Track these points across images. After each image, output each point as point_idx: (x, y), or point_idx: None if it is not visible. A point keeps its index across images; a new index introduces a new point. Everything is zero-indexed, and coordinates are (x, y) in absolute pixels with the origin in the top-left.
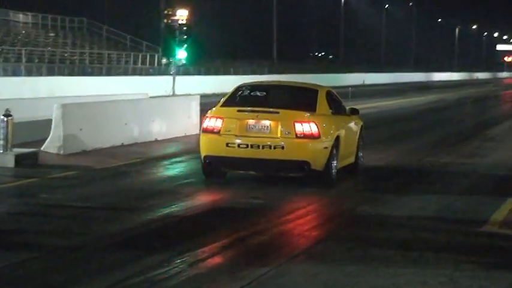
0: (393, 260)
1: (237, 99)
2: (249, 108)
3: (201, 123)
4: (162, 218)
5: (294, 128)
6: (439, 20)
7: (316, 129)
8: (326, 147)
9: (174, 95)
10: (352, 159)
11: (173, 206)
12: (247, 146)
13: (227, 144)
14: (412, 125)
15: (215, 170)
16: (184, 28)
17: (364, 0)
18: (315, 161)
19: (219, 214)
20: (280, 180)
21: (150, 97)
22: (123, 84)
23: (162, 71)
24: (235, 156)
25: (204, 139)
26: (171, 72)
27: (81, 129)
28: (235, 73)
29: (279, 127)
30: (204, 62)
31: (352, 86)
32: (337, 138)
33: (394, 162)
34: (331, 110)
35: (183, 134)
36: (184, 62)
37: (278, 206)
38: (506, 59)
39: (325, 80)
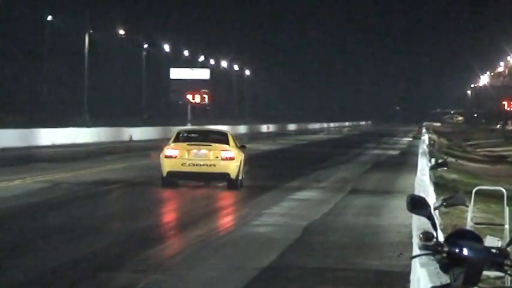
0: None
1: (181, 138)
2: (192, 143)
3: None
4: None
5: (221, 154)
6: None
7: (233, 154)
8: (237, 165)
9: None
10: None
11: None
12: (194, 165)
13: (182, 164)
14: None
15: (171, 182)
16: None
17: None
18: (232, 173)
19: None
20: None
21: None
22: None
23: None
24: (187, 171)
25: (166, 161)
26: None
27: None
28: None
29: (211, 153)
30: None
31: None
32: (241, 161)
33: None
34: (236, 145)
35: None
36: None
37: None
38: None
39: None
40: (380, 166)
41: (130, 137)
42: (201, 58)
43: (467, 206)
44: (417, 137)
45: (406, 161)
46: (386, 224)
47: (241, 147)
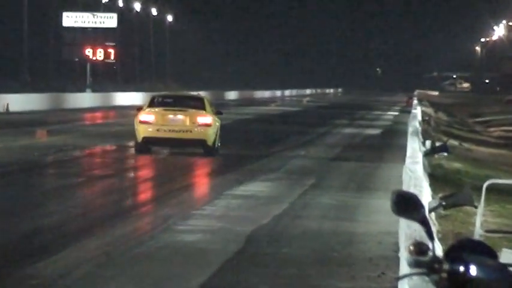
0: None
1: (156, 103)
2: (168, 108)
3: None
4: None
5: (197, 120)
6: None
7: (210, 121)
8: (214, 132)
9: None
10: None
11: None
12: (170, 130)
13: (157, 130)
14: None
15: (146, 148)
16: None
17: None
18: (209, 140)
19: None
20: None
21: None
22: None
23: None
24: (163, 137)
25: (141, 127)
26: None
27: None
28: None
29: (188, 119)
30: None
31: None
32: (218, 127)
33: None
34: (213, 110)
35: None
36: None
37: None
38: None
39: None
40: (354, 150)
41: (6, 107)
42: None
43: (476, 207)
44: (406, 110)
45: (390, 144)
46: (363, 232)
47: (218, 113)
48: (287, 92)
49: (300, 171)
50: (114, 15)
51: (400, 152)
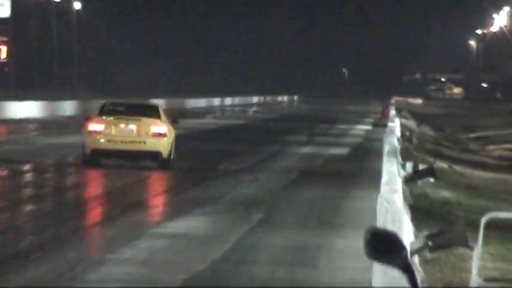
0: None
1: (107, 111)
2: (120, 116)
3: None
4: None
5: (151, 129)
6: None
7: (165, 130)
8: (170, 143)
9: None
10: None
11: None
12: (121, 141)
13: (108, 140)
14: None
15: (95, 161)
16: None
17: None
18: (164, 151)
19: None
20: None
21: None
22: None
23: None
24: (114, 148)
25: (90, 138)
26: None
27: None
28: None
29: (141, 129)
30: None
31: None
32: (173, 137)
33: None
34: (168, 119)
35: None
36: None
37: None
38: None
39: None
40: (313, 176)
41: None
42: None
43: (471, 249)
44: (381, 123)
45: (360, 167)
46: (326, 281)
47: (173, 122)
48: (228, 101)
49: (246, 202)
50: (6, 2)
51: (374, 177)
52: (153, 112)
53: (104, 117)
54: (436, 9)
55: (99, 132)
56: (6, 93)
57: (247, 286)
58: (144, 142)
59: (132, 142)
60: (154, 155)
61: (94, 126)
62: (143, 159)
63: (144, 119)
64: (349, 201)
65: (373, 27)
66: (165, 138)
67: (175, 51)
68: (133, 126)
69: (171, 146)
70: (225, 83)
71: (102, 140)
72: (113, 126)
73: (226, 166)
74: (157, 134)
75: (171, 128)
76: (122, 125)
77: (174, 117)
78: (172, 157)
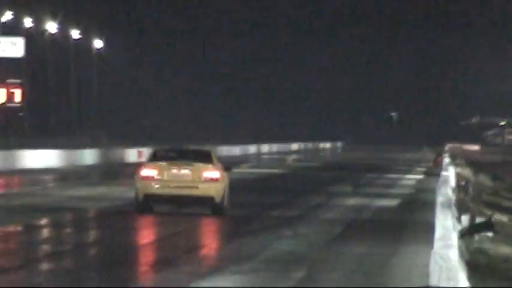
0: None
1: (159, 157)
2: (173, 162)
3: None
4: None
5: (203, 175)
6: None
7: (218, 175)
8: (223, 188)
9: None
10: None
11: None
12: (174, 187)
13: (161, 186)
14: None
15: (148, 207)
16: None
17: None
18: (217, 196)
19: None
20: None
21: None
22: None
23: None
24: (166, 194)
25: (142, 183)
26: None
27: None
28: None
29: (194, 174)
30: None
31: None
32: (226, 183)
33: None
34: (221, 165)
35: None
36: None
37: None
38: None
39: None
40: (360, 230)
41: None
42: (7, 17)
43: None
44: (433, 172)
45: (411, 220)
46: None
47: (226, 169)
48: (265, 148)
49: (285, 259)
50: (20, 40)
51: (426, 231)
52: (205, 158)
53: (156, 163)
54: (495, 51)
55: (152, 178)
56: (21, 140)
57: None
58: (197, 187)
59: (185, 187)
60: (207, 200)
61: (147, 171)
62: (196, 205)
63: (197, 164)
64: (399, 258)
65: (426, 67)
66: (218, 184)
67: (206, 92)
68: (186, 171)
69: (224, 192)
70: (262, 128)
71: (155, 186)
72: (165, 172)
73: (264, 219)
74: (209, 179)
75: (225, 174)
76: (175, 170)
77: (227, 165)
78: (225, 203)
